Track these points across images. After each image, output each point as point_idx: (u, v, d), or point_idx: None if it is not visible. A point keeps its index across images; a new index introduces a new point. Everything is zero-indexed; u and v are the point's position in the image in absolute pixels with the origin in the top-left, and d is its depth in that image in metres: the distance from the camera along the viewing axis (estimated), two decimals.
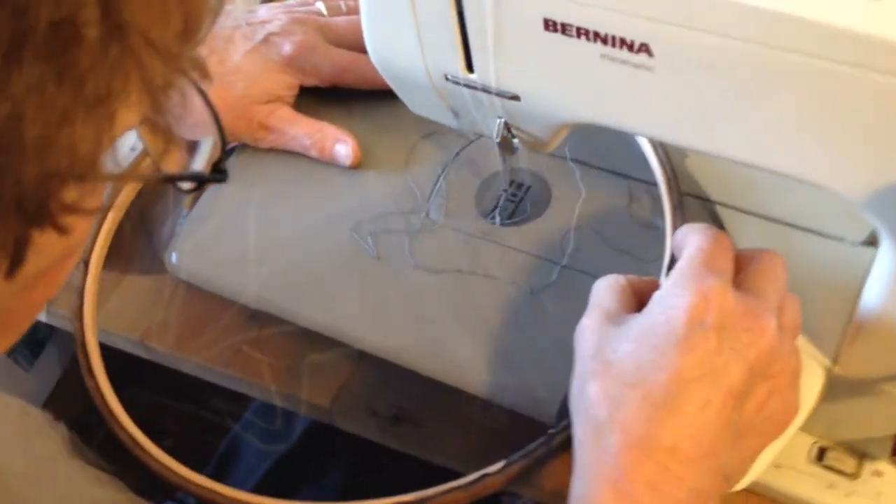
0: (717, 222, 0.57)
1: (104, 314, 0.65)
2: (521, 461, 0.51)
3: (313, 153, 0.63)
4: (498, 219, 0.59)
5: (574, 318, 0.45)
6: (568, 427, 0.48)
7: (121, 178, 0.27)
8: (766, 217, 0.55)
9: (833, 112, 0.37)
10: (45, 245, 0.26)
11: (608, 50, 0.40)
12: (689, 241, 0.45)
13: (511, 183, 0.59)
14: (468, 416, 0.57)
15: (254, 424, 0.77)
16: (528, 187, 0.60)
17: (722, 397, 0.40)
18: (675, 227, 0.54)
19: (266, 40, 0.61)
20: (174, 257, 0.61)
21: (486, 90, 0.46)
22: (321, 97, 0.66)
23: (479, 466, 0.59)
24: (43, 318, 0.67)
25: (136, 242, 0.69)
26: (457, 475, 0.60)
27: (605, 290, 0.46)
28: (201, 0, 0.27)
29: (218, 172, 0.33)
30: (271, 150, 0.65)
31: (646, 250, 0.56)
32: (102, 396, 0.59)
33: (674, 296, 0.42)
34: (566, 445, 0.51)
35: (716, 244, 0.44)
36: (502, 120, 0.49)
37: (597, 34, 0.40)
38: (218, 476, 0.75)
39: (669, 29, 0.37)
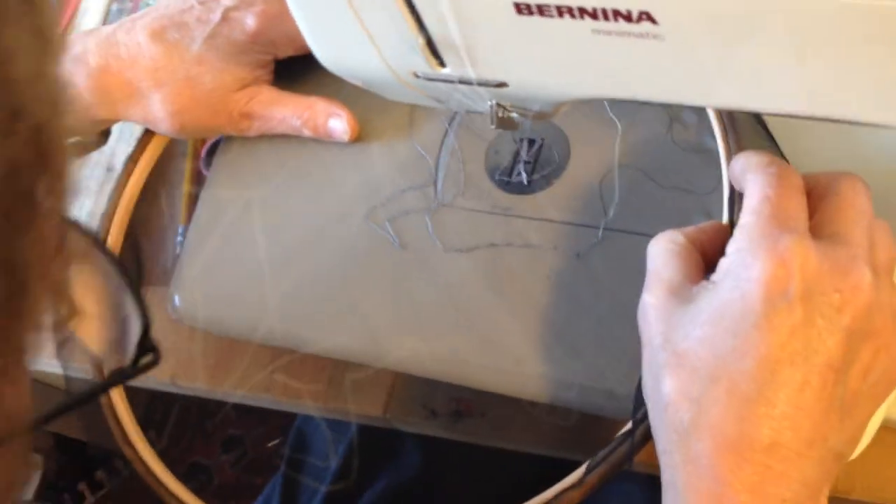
0: (767, 132, 0.48)
1: None
2: (602, 467, 0.45)
3: (306, 133, 0.55)
4: (524, 176, 0.51)
5: (630, 278, 0.39)
6: (646, 418, 0.43)
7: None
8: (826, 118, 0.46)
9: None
10: None
11: (600, 24, 0.32)
12: (750, 184, 0.38)
13: (522, 142, 0.51)
14: None
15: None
16: (542, 141, 0.52)
17: (820, 375, 0.34)
18: (728, 147, 0.45)
19: (225, 18, 0.52)
20: (177, 300, 0.55)
21: (465, 82, 0.39)
22: (304, 67, 0.57)
23: (554, 446, 0.55)
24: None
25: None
26: (532, 458, 0.56)
27: (663, 255, 0.39)
28: None
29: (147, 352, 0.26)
30: (262, 138, 0.57)
31: (700, 180, 0.48)
32: (145, 464, 0.55)
33: (745, 266, 0.35)
34: (649, 435, 0.45)
35: (783, 186, 0.37)
36: (494, 102, 0.41)
37: (583, 10, 0.32)
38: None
39: None
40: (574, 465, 0.46)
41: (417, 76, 0.39)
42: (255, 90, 0.54)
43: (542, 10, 0.32)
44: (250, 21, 0.52)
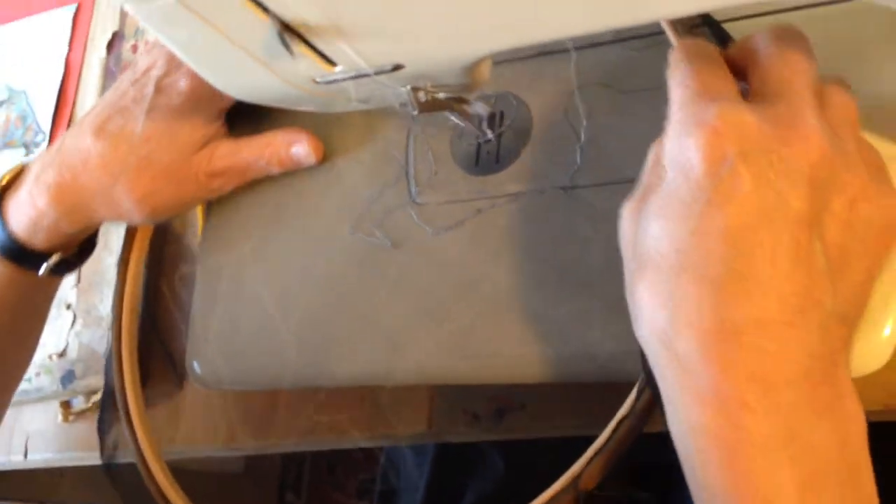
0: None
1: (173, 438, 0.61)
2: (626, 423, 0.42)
3: (275, 171, 0.54)
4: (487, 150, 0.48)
5: (623, 193, 0.35)
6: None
7: None
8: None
9: None
10: None
11: None
12: (672, 77, 0.35)
13: (480, 122, 0.49)
14: None
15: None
16: (502, 114, 0.49)
17: (790, 233, 0.31)
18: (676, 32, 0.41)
19: (159, 89, 0.51)
20: (196, 368, 0.55)
21: (363, 76, 0.37)
22: (253, 107, 0.56)
23: (602, 414, 0.52)
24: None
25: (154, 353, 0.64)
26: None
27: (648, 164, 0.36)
28: None
29: None
30: (237, 193, 0.56)
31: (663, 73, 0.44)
32: None
33: (681, 150, 0.32)
34: None
35: (697, 64, 0.34)
36: (408, 87, 0.39)
37: None
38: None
39: None
40: None
41: (317, 82, 0.38)
42: (213, 146, 0.53)
43: None
44: (183, 82, 0.50)
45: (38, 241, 0.52)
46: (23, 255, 0.53)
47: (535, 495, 0.60)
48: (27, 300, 0.56)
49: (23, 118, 0.79)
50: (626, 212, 0.35)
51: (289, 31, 0.34)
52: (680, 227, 0.32)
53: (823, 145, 0.31)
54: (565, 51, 0.48)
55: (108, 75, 0.76)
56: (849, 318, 0.33)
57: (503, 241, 0.47)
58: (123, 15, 0.78)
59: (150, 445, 0.55)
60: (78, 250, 0.55)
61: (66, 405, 0.66)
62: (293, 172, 0.54)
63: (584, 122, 0.46)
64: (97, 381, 0.66)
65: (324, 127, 0.53)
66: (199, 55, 0.38)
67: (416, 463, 0.72)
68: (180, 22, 0.35)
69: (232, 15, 0.34)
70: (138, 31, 0.76)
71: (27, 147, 0.78)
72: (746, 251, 0.31)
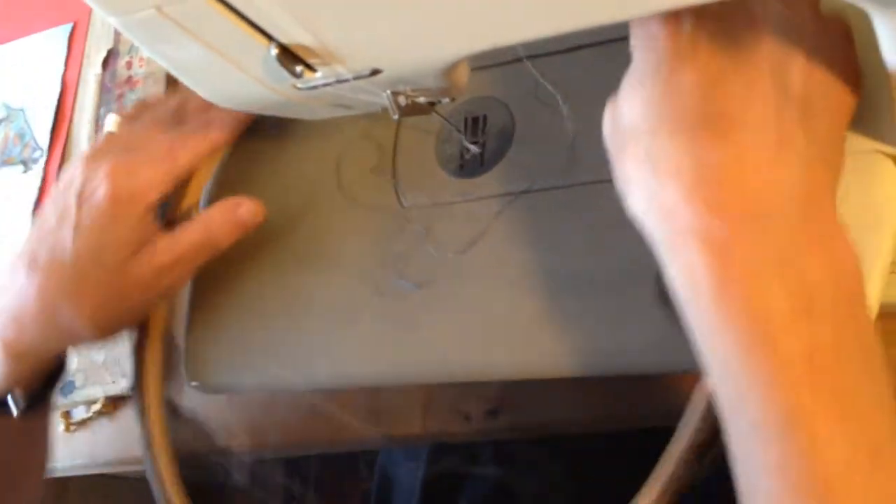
0: None
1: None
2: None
3: (225, 241, 0.51)
4: (473, 153, 0.49)
5: None
6: None
7: None
8: None
9: None
10: None
11: None
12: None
13: (465, 124, 0.50)
14: None
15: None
16: (484, 116, 0.50)
17: (757, 78, 0.32)
18: None
19: (79, 204, 0.48)
20: (194, 372, 0.55)
21: (342, 81, 0.38)
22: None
23: (598, 419, 0.52)
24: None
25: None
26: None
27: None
28: None
29: None
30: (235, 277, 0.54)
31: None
32: None
33: (644, 28, 0.34)
34: None
35: None
36: (388, 92, 0.40)
37: None
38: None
39: None
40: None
41: (300, 88, 0.39)
42: (150, 246, 0.49)
43: None
44: (101, 190, 0.48)
45: None
46: None
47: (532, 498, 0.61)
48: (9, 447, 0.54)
49: (21, 136, 0.80)
50: (606, 112, 0.36)
51: (282, 49, 0.35)
52: (651, 93, 0.33)
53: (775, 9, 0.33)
54: (547, 54, 0.49)
55: (104, 91, 0.78)
56: (830, 163, 0.33)
57: (515, 240, 0.47)
58: (118, 33, 0.79)
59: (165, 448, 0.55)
60: (40, 384, 0.53)
61: (66, 415, 0.67)
62: (285, 264, 0.52)
63: (569, 123, 0.47)
64: (96, 391, 0.67)
65: (310, 179, 0.53)
66: (183, 65, 0.39)
67: (411, 469, 0.73)
68: (163, 33, 0.36)
69: (214, 26, 0.35)
70: (133, 48, 0.77)
71: (25, 164, 0.79)
72: (718, 96, 0.32)
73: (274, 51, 0.36)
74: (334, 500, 0.78)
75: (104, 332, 0.50)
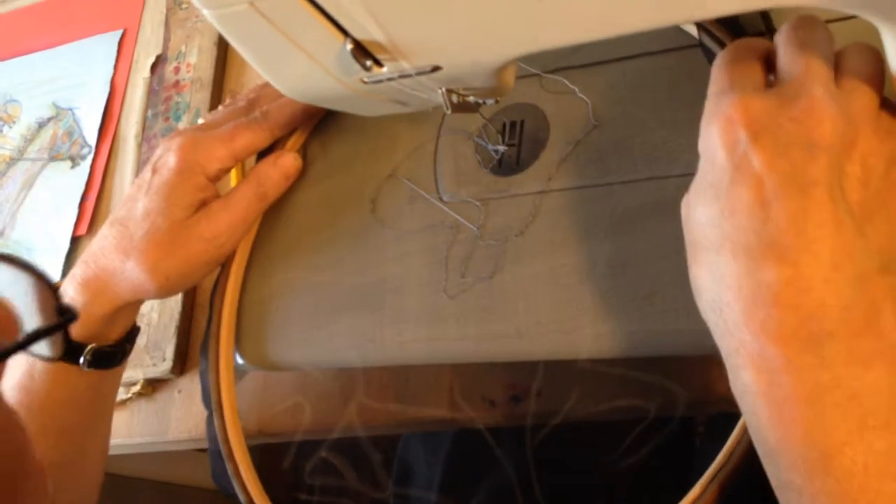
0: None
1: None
2: None
3: (273, 194, 0.59)
4: (502, 153, 0.53)
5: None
6: None
7: None
8: None
9: None
10: None
11: None
12: (711, 75, 0.39)
13: (503, 128, 0.54)
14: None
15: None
16: (522, 121, 0.55)
17: (813, 199, 0.33)
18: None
19: (154, 171, 0.57)
20: (245, 350, 0.59)
21: (405, 76, 0.42)
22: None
23: (617, 407, 0.56)
24: None
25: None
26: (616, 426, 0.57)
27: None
28: None
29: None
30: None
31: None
32: None
33: (705, 138, 0.36)
34: None
35: (732, 59, 0.38)
36: (443, 89, 0.45)
37: None
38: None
39: None
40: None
41: (365, 82, 0.43)
42: (207, 207, 0.57)
43: None
44: (171, 158, 0.56)
45: (74, 331, 0.56)
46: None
47: (551, 488, 0.63)
48: (82, 397, 0.58)
49: (69, 133, 0.85)
50: (682, 205, 0.38)
51: (356, 44, 0.40)
52: (713, 209, 0.36)
53: (829, 111, 0.34)
54: (581, 66, 0.54)
55: (151, 94, 0.82)
56: (890, 268, 0.35)
57: (556, 234, 0.50)
58: (166, 39, 0.84)
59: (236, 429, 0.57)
60: (116, 341, 0.58)
61: None
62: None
63: (595, 125, 0.52)
64: (136, 373, 0.70)
65: (353, 185, 0.58)
66: (264, 57, 0.43)
67: (430, 461, 0.76)
68: (251, 27, 0.40)
69: (297, 21, 0.39)
70: (181, 54, 0.82)
71: (73, 160, 0.83)
72: (774, 219, 0.34)
73: (349, 45, 0.40)
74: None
75: (161, 285, 0.56)
